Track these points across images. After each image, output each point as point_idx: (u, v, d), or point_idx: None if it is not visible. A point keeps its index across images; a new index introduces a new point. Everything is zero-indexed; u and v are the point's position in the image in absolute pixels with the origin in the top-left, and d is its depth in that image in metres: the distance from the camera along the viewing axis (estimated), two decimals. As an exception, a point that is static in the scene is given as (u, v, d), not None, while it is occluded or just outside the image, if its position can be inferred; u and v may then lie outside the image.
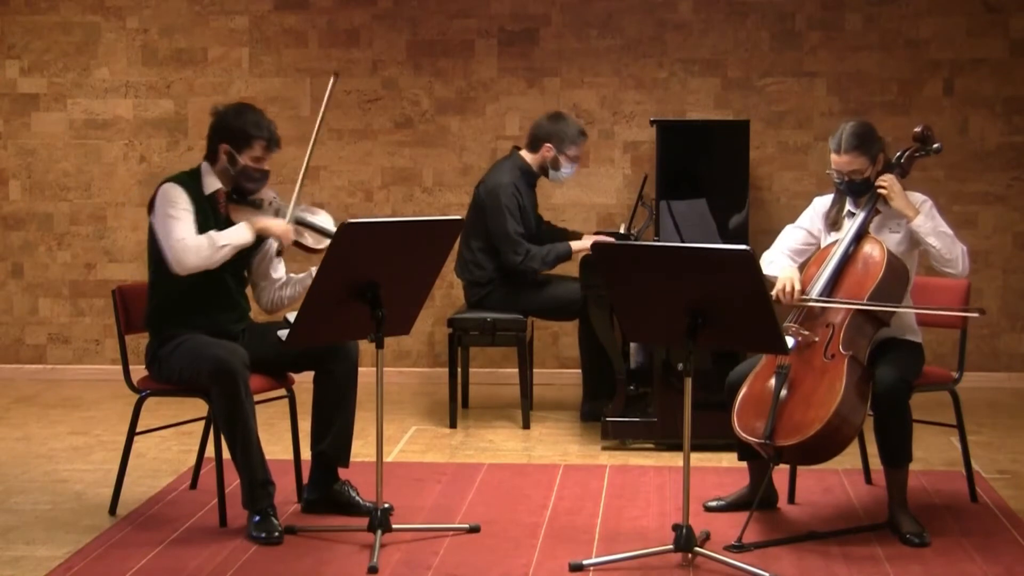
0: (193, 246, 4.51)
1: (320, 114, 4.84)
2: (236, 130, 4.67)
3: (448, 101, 7.33)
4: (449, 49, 7.31)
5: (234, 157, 4.67)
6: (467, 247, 6.28)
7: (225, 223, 4.68)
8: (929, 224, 4.59)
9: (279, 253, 4.78)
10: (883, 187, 4.61)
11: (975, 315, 4.52)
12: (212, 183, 4.71)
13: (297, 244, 4.80)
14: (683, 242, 6.12)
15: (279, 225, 4.68)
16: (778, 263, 4.77)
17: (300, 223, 4.77)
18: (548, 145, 6.24)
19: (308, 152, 4.87)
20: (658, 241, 6.23)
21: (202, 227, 4.64)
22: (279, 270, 4.88)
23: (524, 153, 6.33)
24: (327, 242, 4.75)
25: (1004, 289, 7.24)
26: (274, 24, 7.36)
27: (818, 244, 4.84)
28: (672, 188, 6.38)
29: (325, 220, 4.84)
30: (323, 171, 7.37)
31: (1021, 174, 7.19)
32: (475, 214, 6.25)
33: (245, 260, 4.79)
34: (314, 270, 4.74)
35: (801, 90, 7.20)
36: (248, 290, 4.90)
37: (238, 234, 4.59)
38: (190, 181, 4.70)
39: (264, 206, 4.75)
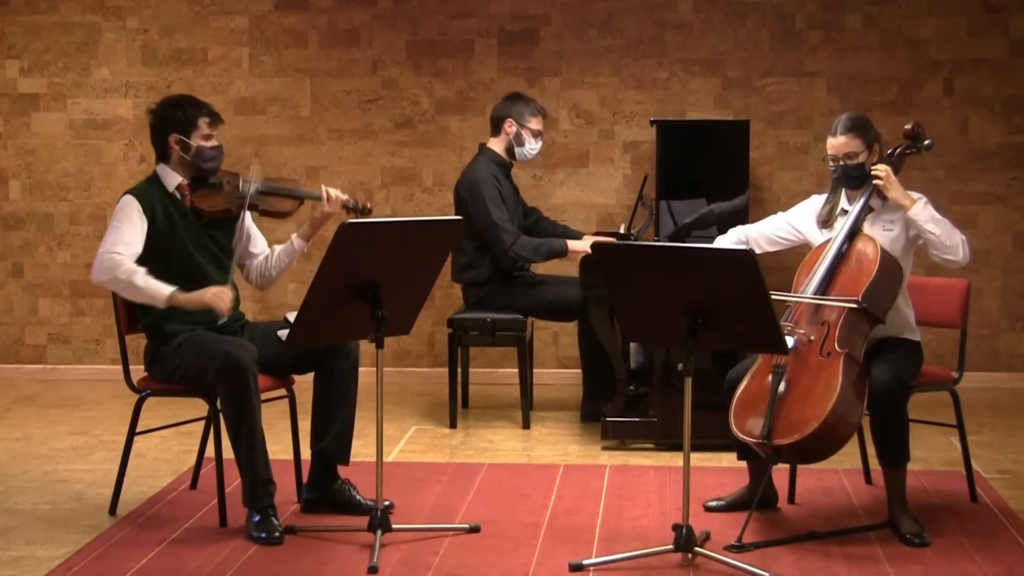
0: (111, 263, 4.51)
1: (252, 171, 4.85)
2: (178, 118, 4.75)
3: (448, 101, 7.33)
4: (449, 49, 7.31)
5: (185, 143, 4.73)
6: (459, 250, 6.27)
7: (192, 215, 4.73)
8: (926, 212, 4.59)
9: (219, 318, 4.62)
10: (879, 176, 4.61)
11: (852, 305, 4.49)
12: (172, 179, 4.76)
13: (265, 213, 4.87)
14: (683, 242, 6.13)
15: (203, 295, 4.55)
16: (730, 237, 4.96)
17: (262, 192, 4.82)
18: (509, 120, 6.29)
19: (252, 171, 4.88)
20: (658, 241, 6.23)
21: (170, 225, 4.68)
22: (259, 244, 4.94)
23: (491, 142, 6.37)
24: (292, 203, 4.87)
25: (1004, 289, 7.24)
26: (274, 24, 7.35)
27: (797, 243, 4.89)
28: (672, 188, 6.38)
29: (288, 186, 4.93)
30: (323, 171, 7.37)
31: (1021, 174, 7.19)
32: (461, 215, 6.25)
33: (223, 249, 4.79)
34: (294, 237, 4.82)
35: (801, 90, 7.20)
36: (236, 277, 4.93)
37: (156, 291, 4.51)
38: (150, 187, 4.75)
39: (224, 186, 4.81)
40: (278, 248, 4.92)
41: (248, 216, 4.88)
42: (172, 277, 4.58)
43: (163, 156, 4.79)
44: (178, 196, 4.75)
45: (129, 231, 4.61)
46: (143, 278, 4.53)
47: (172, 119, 4.75)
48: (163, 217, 4.68)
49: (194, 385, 4.60)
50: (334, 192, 4.81)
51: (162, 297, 4.53)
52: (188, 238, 4.70)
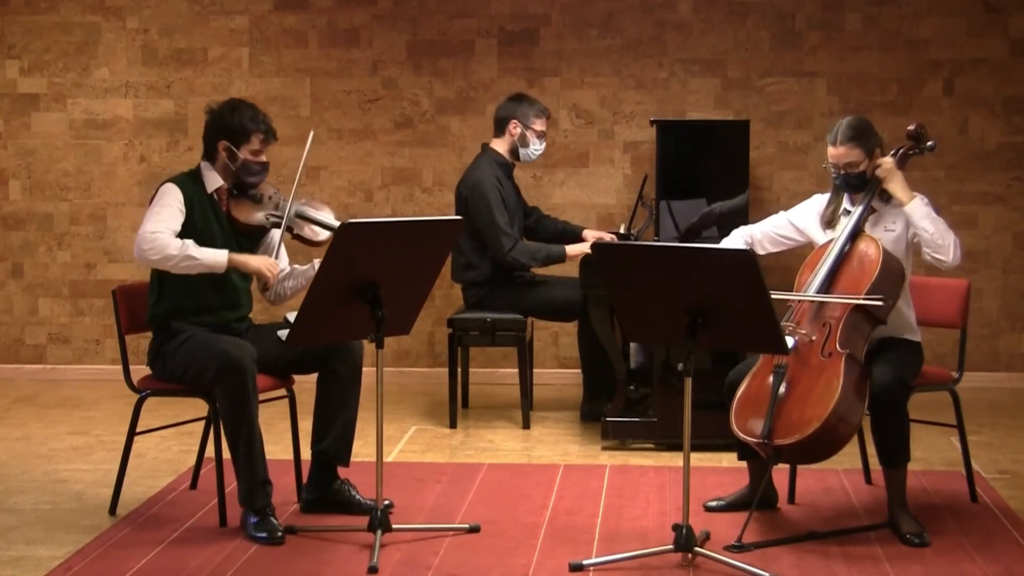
0: (161, 242, 4.52)
1: (298, 175, 4.84)
2: (233, 126, 4.72)
3: (448, 101, 7.33)
4: (449, 49, 7.31)
5: (233, 152, 4.71)
6: (459, 250, 6.28)
7: (227, 220, 4.73)
8: (923, 209, 4.60)
9: (264, 288, 4.78)
10: (883, 169, 4.61)
11: (877, 303, 4.48)
12: (213, 181, 4.75)
13: (297, 237, 4.86)
14: (683, 242, 6.14)
15: (258, 260, 4.66)
16: (734, 238, 4.93)
17: (300, 216, 4.82)
18: (514, 122, 6.30)
19: (304, 154, 4.86)
20: (658, 241, 6.23)
21: (204, 225, 4.68)
22: (282, 262, 4.92)
23: (494, 143, 6.37)
24: (326, 234, 4.82)
25: (1004, 289, 7.24)
26: (274, 24, 7.36)
27: (801, 242, 4.89)
28: (672, 188, 6.38)
29: (325, 214, 4.89)
30: (323, 171, 7.37)
31: (1021, 174, 7.19)
32: (462, 215, 6.26)
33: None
34: (317, 262, 4.80)
35: (801, 90, 7.20)
36: (252, 286, 4.92)
37: (213, 257, 4.57)
38: (191, 182, 4.74)
39: (264, 200, 4.80)
40: (298, 268, 4.90)
41: (278, 234, 4.86)
42: (196, 276, 4.60)
43: (209, 156, 4.78)
44: (216, 198, 4.75)
45: (170, 216, 4.60)
46: (195, 248, 4.55)
47: (226, 125, 4.73)
48: (199, 214, 4.68)
49: (194, 385, 4.60)
50: None
51: (222, 261, 4.58)
52: (219, 241, 4.70)
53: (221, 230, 4.72)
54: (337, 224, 4.82)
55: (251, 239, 4.81)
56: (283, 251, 4.94)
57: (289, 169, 7.25)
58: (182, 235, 4.61)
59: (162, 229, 4.55)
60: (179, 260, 4.53)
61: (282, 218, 4.75)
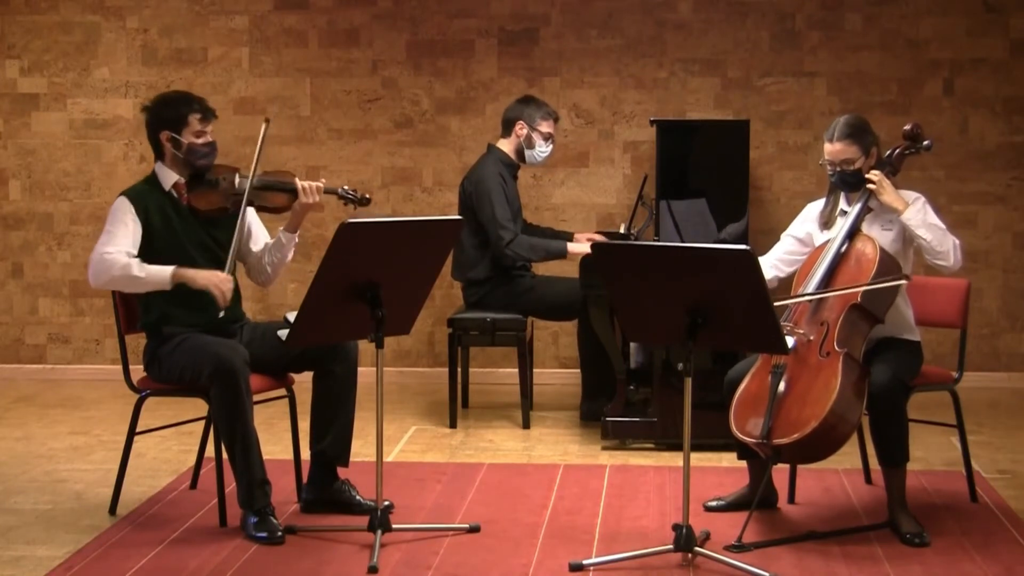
0: (105, 264, 4.52)
1: (255, 156, 4.76)
2: (168, 115, 4.72)
3: (448, 101, 7.33)
4: (449, 49, 7.31)
5: (177, 140, 4.71)
6: (460, 247, 6.28)
7: (188, 214, 4.71)
8: (919, 216, 4.60)
9: (217, 305, 4.61)
10: (872, 181, 4.63)
11: (902, 282, 4.48)
12: (169, 177, 4.74)
13: (261, 208, 4.84)
14: (683, 242, 6.14)
15: (206, 277, 4.57)
16: None
17: (260, 187, 4.76)
18: (520, 123, 6.30)
19: (259, 142, 4.80)
20: (658, 241, 6.23)
21: (166, 225, 4.67)
22: (259, 241, 4.91)
23: (500, 143, 6.38)
24: (284, 196, 4.78)
25: (1004, 289, 7.24)
26: (274, 24, 7.36)
27: (808, 251, 4.87)
28: (672, 188, 6.38)
29: (283, 178, 4.83)
30: (323, 171, 7.36)
31: (1021, 174, 7.19)
32: (465, 212, 6.27)
33: (224, 247, 4.71)
34: (281, 231, 4.82)
35: (801, 90, 7.20)
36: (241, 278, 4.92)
37: (158, 275, 4.54)
38: (146, 187, 4.74)
39: (221, 183, 4.75)
40: (269, 243, 4.90)
41: (251, 212, 4.85)
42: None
43: (159, 154, 4.78)
44: (175, 195, 4.74)
45: (120, 234, 4.60)
46: (139, 267, 4.54)
47: (162, 117, 4.73)
48: (159, 217, 4.67)
49: (190, 386, 4.59)
50: (305, 183, 4.74)
51: (165, 279, 4.54)
52: (186, 237, 4.69)
53: (185, 225, 4.71)
54: (296, 182, 4.81)
55: (221, 226, 4.75)
56: (259, 228, 4.92)
57: (289, 168, 7.25)
58: (146, 242, 4.61)
59: (110, 250, 4.55)
60: (123, 282, 4.54)
61: (242, 196, 4.73)
